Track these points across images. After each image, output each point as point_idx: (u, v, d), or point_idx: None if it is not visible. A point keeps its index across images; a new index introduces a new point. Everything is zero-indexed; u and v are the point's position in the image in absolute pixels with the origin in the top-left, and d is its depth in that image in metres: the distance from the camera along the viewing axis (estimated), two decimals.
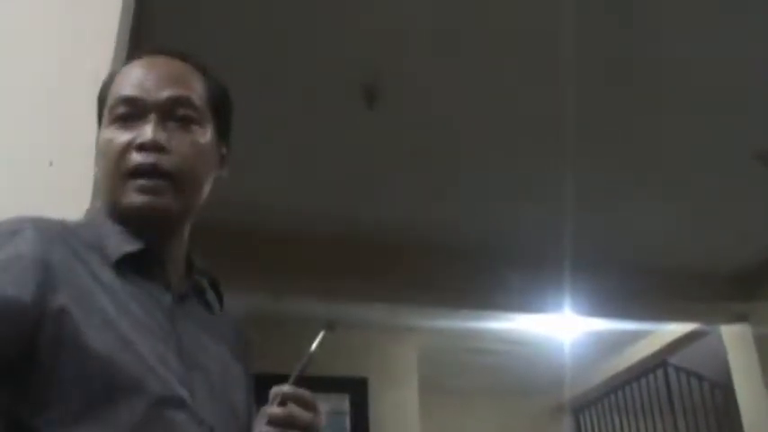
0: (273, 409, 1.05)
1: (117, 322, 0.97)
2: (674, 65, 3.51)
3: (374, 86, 3.55)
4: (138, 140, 1.06)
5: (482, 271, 4.91)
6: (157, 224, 1.08)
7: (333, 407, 5.49)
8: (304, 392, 1.07)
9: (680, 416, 6.46)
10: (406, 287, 4.91)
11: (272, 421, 1.04)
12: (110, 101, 1.12)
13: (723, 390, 6.21)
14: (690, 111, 3.83)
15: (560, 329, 5.98)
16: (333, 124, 3.81)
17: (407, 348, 5.95)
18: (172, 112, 1.10)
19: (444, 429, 6.85)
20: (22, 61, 1.60)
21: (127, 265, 1.04)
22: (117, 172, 1.06)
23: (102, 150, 1.10)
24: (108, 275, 1.02)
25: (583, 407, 7.70)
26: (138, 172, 1.06)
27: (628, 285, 5.11)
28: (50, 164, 1.47)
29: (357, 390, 5.53)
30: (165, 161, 1.07)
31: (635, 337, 6.52)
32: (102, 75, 1.59)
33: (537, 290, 5.04)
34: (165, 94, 1.11)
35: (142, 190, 1.05)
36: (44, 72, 1.60)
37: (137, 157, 1.06)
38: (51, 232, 1.00)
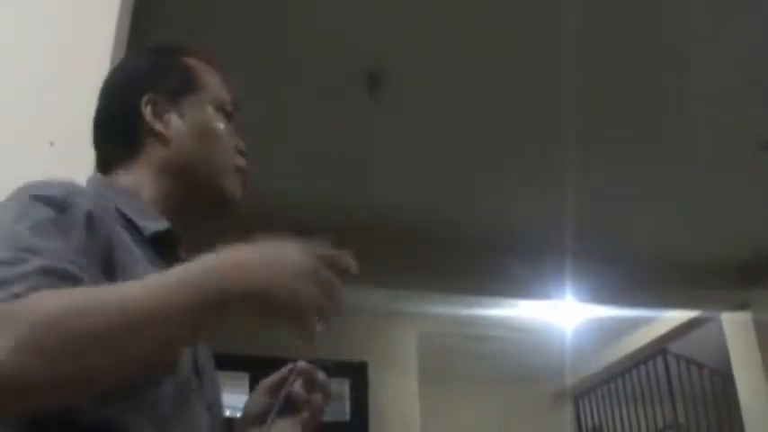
0: (296, 388, 1.11)
1: None
2: (676, 59, 3.51)
3: (376, 74, 3.54)
4: (243, 148, 1.21)
5: (483, 257, 4.92)
6: (231, 214, 1.20)
7: (333, 391, 5.50)
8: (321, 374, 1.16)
9: (679, 403, 6.48)
10: (407, 272, 4.91)
11: (293, 399, 1.11)
12: (222, 94, 1.20)
13: (722, 377, 6.23)
14: (694, 102, 3.83)
15: (561, 316, 6.00)
16: (334, 111, 3.81)
17: (408, 334, 5.96)
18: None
19: (444, 415, 6.86)
20: (24, 41, 1.60)
21: (155, 244, 1.04)
22: (227, 163, 1.17)
23: (216, 135, 1.17)
24: (147, 253, 1.01)
25: (583, 393, 7.72)
26: (243, 170, 1.20)
27: (629, 273, 5.12)
28: (51, 144, 1.47)
29: (357, 374, 5.54)
30: None
31: (636, 324, 6.53)
32: (104, 55, 1.60)
33: (538, 276, 5.05)
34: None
35: (244, 185, 1.20)
36: (45, 52, 1.59)
37: (242, 160, 1.20)
38: (99, 206, 0.96)
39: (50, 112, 1.52)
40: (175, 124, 1.14)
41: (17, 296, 0.73)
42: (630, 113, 3.93)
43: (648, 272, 5.18)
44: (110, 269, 0.90)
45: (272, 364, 1.15)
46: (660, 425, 6.80)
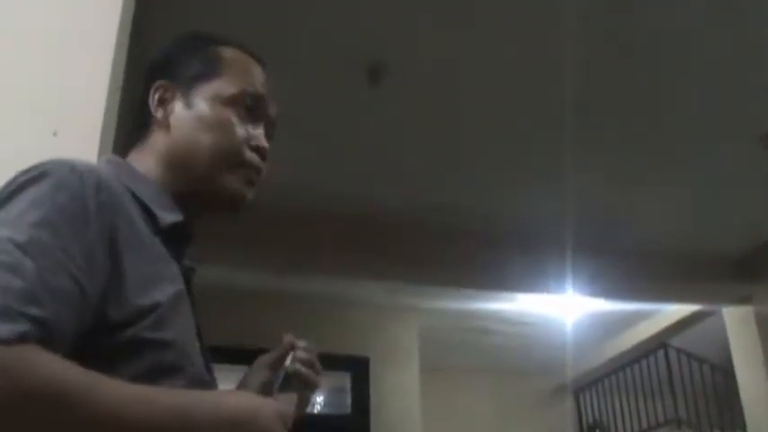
0: (297, 365, 1.16)
1: (166, 303, 0.94)
2: (678, 49, 3.50)
3: (377, 64, 3.53)
4: (259, 144, 1.14)
5: (484, 250, 4.91)
6: (235, 211, 1.15)
7: (334, 384, 5.51)
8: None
9: (680, 397, 6.50)
10: (408, 266, 4.90)
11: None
12: (245, 86, 1.15)
13: (723, 372, 6.23)
14: (693, 94, 3.82)
15: (562, 310, 6.00)
16: (334, 103, 3.79)
17: (409, 327, 5.96)
18: (271, 127, 1.21)
19: (445, 409, 6.88)
20: (26, 30, 1.58)
21: (168, 235, 1.02)
22: (227, 157, 1.10)
23: (219, 126, 1.11)
24: (157, 244, 0.99)
25: (584, 387, 7.74)
26: (250, 167, 1.13)
27: (631, 266, 5.11)
28: (54, 134, 1.45)
29: (358, 368, 5.54)
30: (264, 168, 1.16)
31: (636, 318, 6.54)
32: (108, 45, 1.58)
33: (539, 270, 5.04)
34: (275, 110, 1.22)
35: (249, 182, 1.13)
36: (48, 41, 1.58)
37: (253, 157, 1.13)
38: (113, 192, 0.94)
39: (53, 103, 1.50)
40: (179, 112, 1.11)
41: (7, 343, 0.73)
42: (630, 106, 3.91)
43: (649, 266, 5.17)
44: (114, 257, 0.89)
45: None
46: (661, 419, 6.82)
